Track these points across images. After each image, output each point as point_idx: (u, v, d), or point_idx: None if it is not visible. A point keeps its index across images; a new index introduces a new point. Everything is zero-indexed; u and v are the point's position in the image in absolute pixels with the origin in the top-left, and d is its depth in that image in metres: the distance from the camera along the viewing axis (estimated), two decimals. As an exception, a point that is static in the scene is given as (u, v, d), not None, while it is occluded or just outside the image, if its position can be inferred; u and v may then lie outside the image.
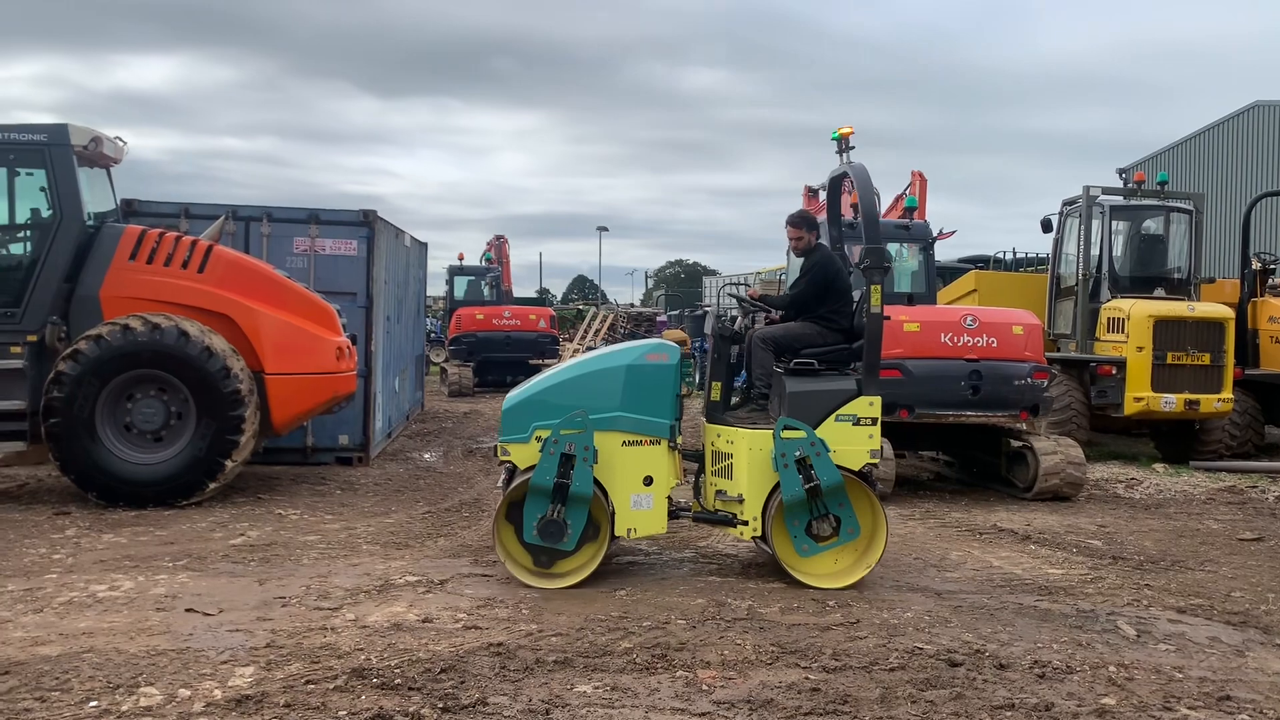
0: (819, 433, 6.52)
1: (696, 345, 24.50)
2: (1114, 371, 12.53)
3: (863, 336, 6.81)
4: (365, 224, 11.60)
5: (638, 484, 6.58)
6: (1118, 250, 13.79)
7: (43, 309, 8.90)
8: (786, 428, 6.49)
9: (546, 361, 20.61)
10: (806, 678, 4.85)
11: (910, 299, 11.13)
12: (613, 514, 6.56)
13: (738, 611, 5.95)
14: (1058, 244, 14.26)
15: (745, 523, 6.64)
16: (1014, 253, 22.38)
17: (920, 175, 19.67)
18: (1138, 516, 9.54)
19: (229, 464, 8.87)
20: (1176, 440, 13.33)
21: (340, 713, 4.29)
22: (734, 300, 8.02)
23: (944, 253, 19.69)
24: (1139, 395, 12.37)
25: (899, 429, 10.23)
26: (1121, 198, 14.02)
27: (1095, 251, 13.50)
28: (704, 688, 4.71)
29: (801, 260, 7.61)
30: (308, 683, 4.63)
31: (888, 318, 7.15)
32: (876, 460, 6.73)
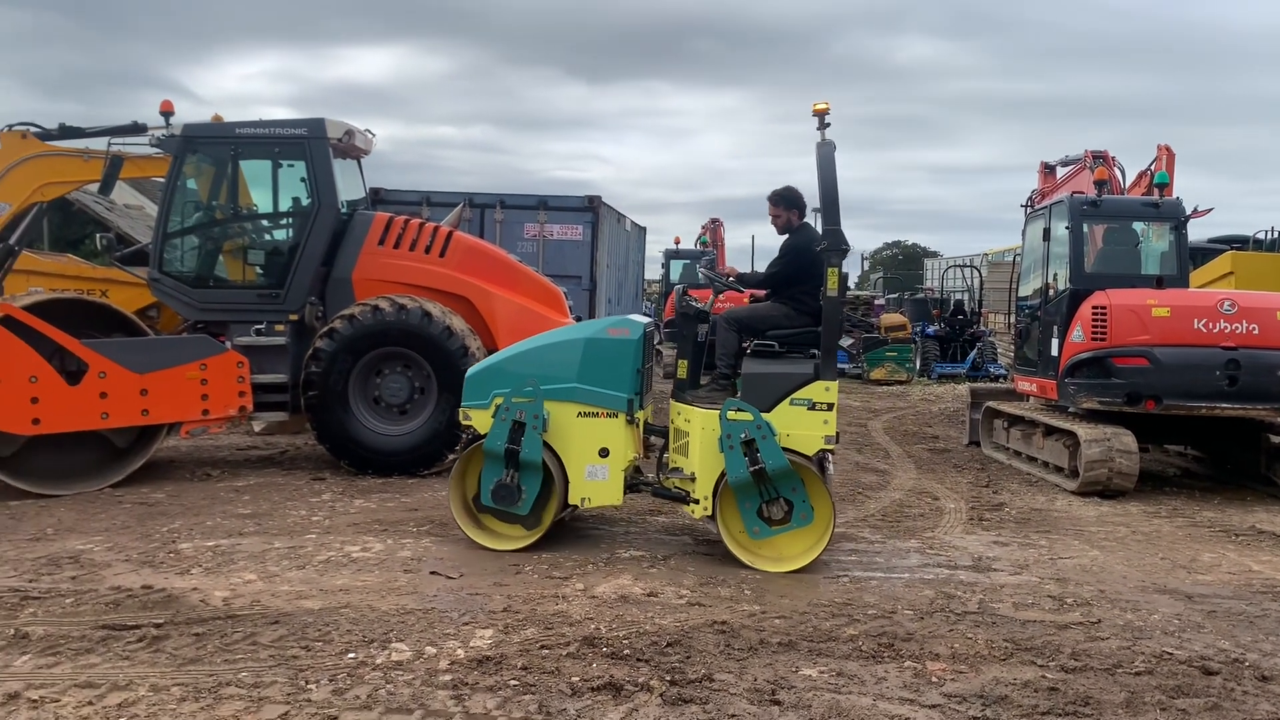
0: (772, 416, 6.38)
1: (917, 330, 23.77)
2: (1397, 363, 11.29)
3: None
4: (590, 209, 11.97)
5: (593, 455, 6.68)
6: (1405, 228, 12.43)
7: (303, 290, 9.64)
8: (736, 409, 6.37)
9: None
10: (1043, 676, 4.66)
11: (1160, 282, 10.37)
12: (566, 479, 6.67)
13: (968, 605, 5.77)
14: (1331, 222, 12.98)
15: (696, 501, 6.64)
16: (1275, 232, 20.44)
17: (1167, 149, 18.35)
18: None
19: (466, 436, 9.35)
20: None
21: (573, 678, 4.47)
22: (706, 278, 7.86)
23: (1194, 232, 18.30)
24: None
25: (1144, 421, 9.61)
26: None
27: (1377, 230, 12.21)
28: (933, 680, 4.60)
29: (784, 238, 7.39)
30: (542, 648, 4.84)
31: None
32: (832, 446, 6.54)
